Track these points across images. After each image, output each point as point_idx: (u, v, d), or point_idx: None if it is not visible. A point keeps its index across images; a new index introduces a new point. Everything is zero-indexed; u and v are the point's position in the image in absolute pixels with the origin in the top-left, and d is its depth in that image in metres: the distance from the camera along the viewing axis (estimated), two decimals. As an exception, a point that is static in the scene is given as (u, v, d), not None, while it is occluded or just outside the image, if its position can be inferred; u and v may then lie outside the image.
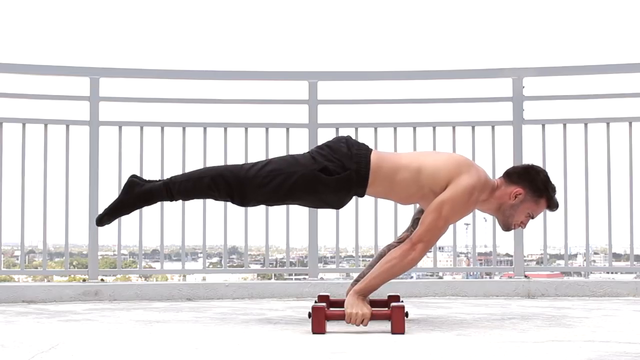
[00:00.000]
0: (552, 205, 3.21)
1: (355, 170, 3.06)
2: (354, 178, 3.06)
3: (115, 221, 4.40)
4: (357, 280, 3.26)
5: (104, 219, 3.23)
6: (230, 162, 4.45)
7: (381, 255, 3.27)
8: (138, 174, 3.35)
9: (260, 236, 4.52)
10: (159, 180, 3.19)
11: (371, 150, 3.13)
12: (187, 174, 3.19)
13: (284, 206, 4.37)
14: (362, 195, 3.14)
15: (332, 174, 3.04)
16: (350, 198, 3.17)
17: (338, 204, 3.18)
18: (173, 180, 3.14)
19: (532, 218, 3.22)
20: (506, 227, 3.24)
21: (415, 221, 3.29)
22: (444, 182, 3.06)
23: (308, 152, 3.17)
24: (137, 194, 3.15)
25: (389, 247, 3.28)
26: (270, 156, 4.42)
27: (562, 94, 4.60)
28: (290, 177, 3.05)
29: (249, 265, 4.61)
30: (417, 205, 3.52)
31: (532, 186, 3.15)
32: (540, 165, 4.48)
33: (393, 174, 3.10)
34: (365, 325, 2.97)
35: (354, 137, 3.27)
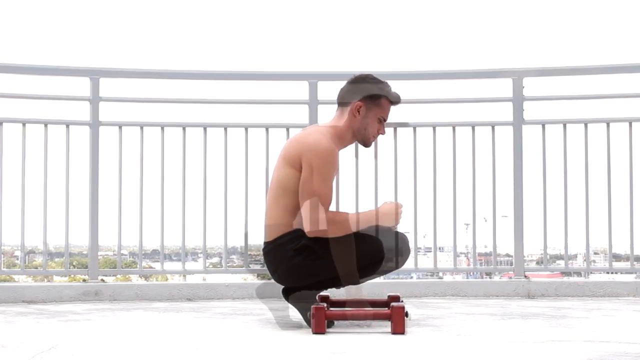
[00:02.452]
0: (394, 99, 3.24)
1: (301, 247, 3.10)
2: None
3: (115, 221, 4.45)
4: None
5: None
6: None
7: None
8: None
9: (260, 236, 4.51)
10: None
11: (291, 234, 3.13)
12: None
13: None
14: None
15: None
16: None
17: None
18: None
19: (385, 121, 3.25)
20: (368, 143, 3.28)
21: None
22: (296, 167, 3.07)
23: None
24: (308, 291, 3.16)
25: None
26: (270, 156, 4.47)
27: (562, 94, 4.59)
28: None
29: (249, 265, 4.60)
30: None
31: (366, 93, 3.20)
32: (540, 165, 4.51)
33: (286, 212, 3.13)
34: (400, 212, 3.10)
35: None
